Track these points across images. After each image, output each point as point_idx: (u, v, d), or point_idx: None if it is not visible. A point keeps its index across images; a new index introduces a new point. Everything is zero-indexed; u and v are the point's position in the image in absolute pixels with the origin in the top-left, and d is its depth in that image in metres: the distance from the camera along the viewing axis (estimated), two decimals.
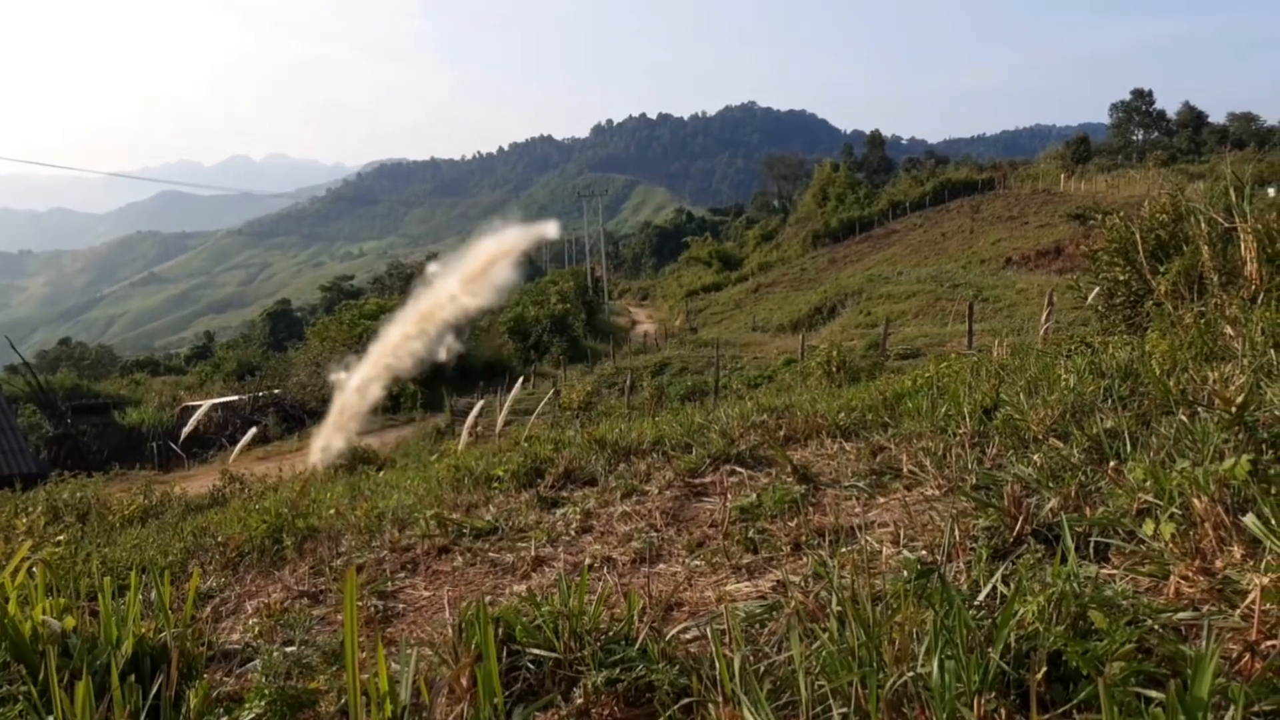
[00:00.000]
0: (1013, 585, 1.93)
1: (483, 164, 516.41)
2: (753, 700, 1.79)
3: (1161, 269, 5.67)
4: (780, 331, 45.20)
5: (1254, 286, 4.64)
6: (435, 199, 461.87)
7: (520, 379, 19.40)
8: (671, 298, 76.30)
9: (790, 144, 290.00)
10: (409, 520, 4.76)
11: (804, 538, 3.11)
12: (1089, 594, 1.84)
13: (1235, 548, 2.03)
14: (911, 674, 1.72)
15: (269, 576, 4.35)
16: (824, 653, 1.87)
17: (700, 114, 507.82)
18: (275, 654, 2.73)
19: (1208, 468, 2.22)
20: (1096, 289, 6.90)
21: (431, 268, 1.19)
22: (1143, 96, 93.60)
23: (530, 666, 2.25)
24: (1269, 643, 1.66)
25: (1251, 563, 1.95)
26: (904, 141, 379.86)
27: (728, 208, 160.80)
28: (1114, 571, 2.19)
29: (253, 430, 14.08)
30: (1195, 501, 2.16)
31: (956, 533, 2.58)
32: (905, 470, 3.68)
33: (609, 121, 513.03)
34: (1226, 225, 5.17)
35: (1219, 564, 2.02)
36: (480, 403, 13.31)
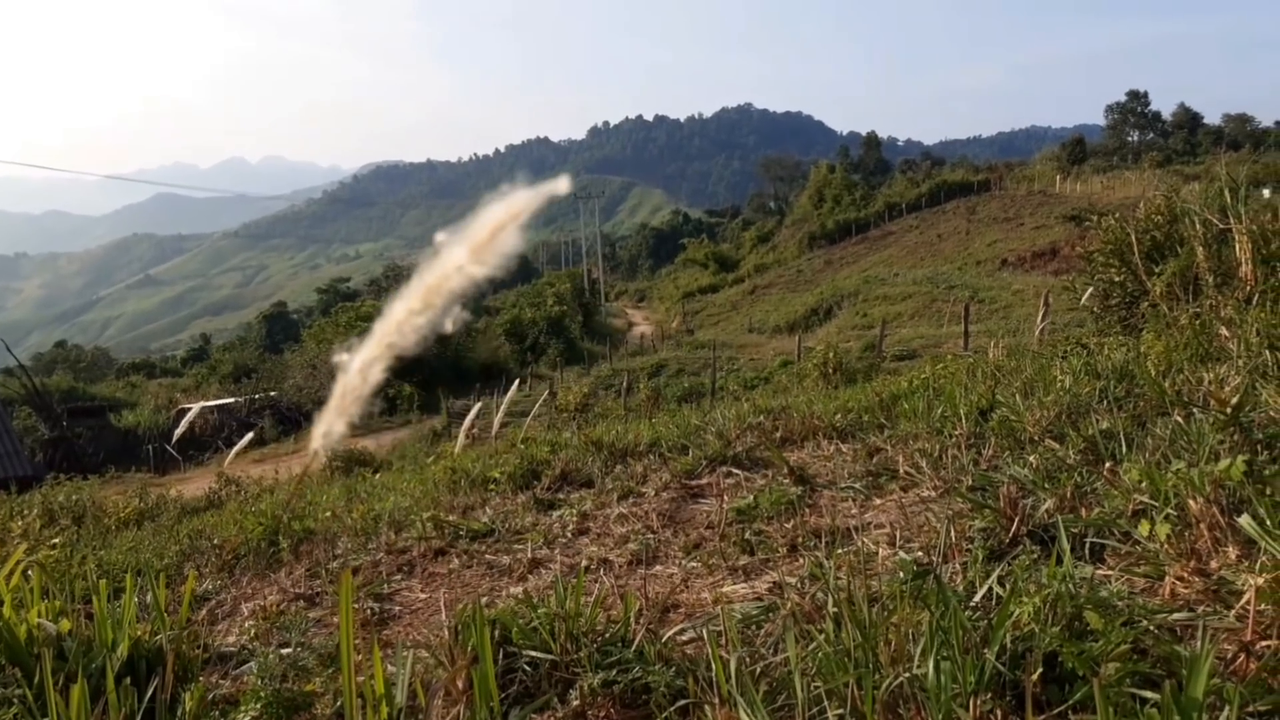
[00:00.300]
0: (1008, 586, 1.93)
1: (479, 166, 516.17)
2: (749, 702, 1.79)
3: (1157, 270, 5.68)
4: (777, 333, 45.22)
5: (1249, 287, 4.65)
6: (432, 201, 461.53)
7: (517, 381, 19.40)
8: (668, 299, 76.34)
9: (786, 146, 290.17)
10: (405, 522, 4.76)
11: (800, 539, 3.12)
12: (1084, 595, 1.84)
13: (1230, 548, 2.03)
14: (907, 675, 1.72)
15: (265, 579, 4.34)
16: (820, 654, 1.87)
17: (696, 116, 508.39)
18: (271, 656, 2.72)
19: (1203, 469, 2.23)
20: (1091, 290, 6.91)
21: (439, 236, 1.16)
22: (1138, 98, 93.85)
23: (527, 668, 2.25)
24: (1264, 643, 1.67)
25: (1246, 563, 1.95)
26: (900, 143, 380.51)
27: (724, 209, 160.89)
28: (1109, 572, 2.19)
29: (250, 435, 14.06)
30: (1190, 502, 2.16)
31: (952, 534, 2.59)
32: (901, 471, 3.69)
33: (605, 123, 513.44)
34: (1221, 226, 5.18)
35: (1214, 565, 2.03)
36: (477, 405, 13.29)
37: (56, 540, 5.36)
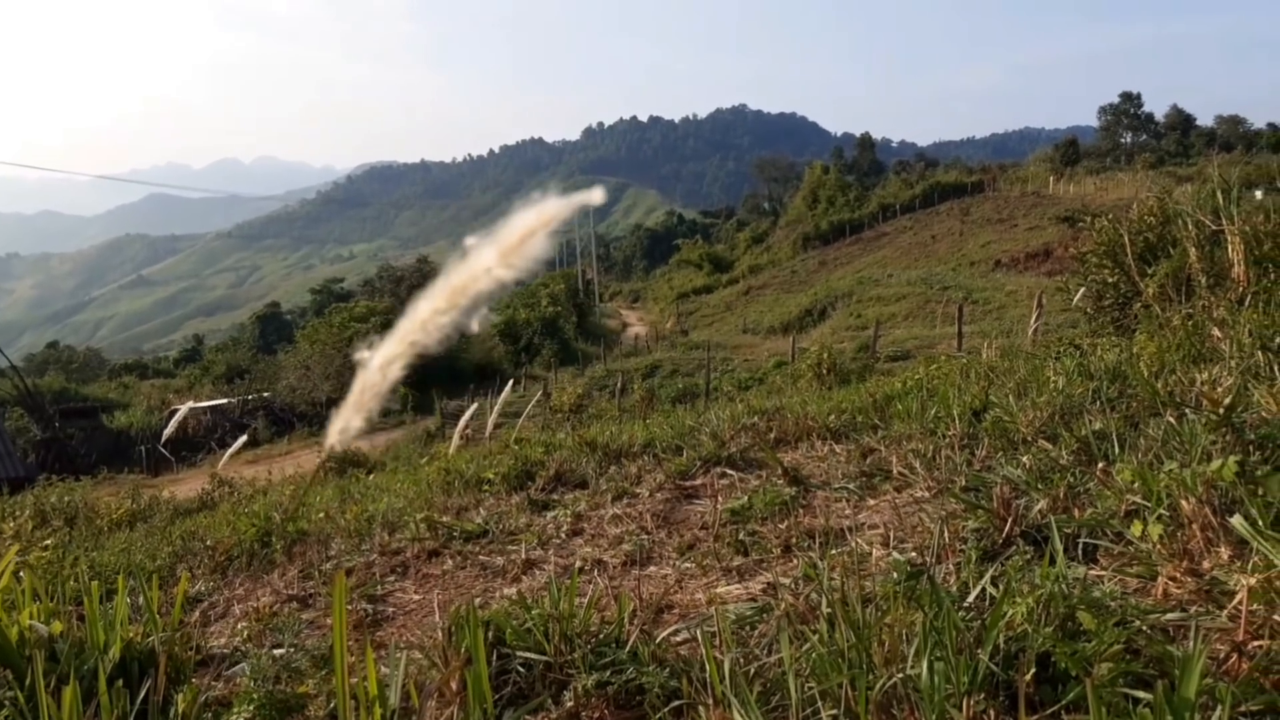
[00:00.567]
0: (1002, 587, 1.93)
1: (473, 166, 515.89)
2: (743, 702, 1.79)
3: (1150, 271, 5.70)
4: (771, 334, 45.27)
5: (1241, 288, 4.66)
6: (426, 201, 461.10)
7: (511, 382, 19.37)
8: (662, 300, 76.35)
9: (781, 146, 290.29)
10: (399, 523, 4.75)
11: (794, 540, 3.12)
12: (1077, 595, 1.84)
13: (1223, 549, 2.04)
14: (901, 675, 1.73)
15: (258, 580, 4.33)
16: (814, 655, 1.87)
17: (691, 116, 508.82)
18: (264, 658, 2.72)
19: (1195, 469, 2.23)
20: (1084, 291, 6.93)
21: (469, 240, 1.17)
22: (1131, 99, 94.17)
23: (520, 670, 2.25)
24: (1256, 643, 1.67)
25: (1239, 564, 1.95)
26: (894, 144, 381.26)
27: (718, 210, 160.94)
28: (1102, 573, 2.19)
29: (244, 437, 14.04)
30: (1183, 503, 2.17)
31: (946, 534, 2.59)
32: (895, 472, 3.69)
33: (600, 124, 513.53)
34: (1214, 228, 5.20)
35: (1206, 565, 2.03)
36: (472, 406, 13.28)
37: (48, 541, 5.34)
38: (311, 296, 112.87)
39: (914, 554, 2.66)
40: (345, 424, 1.29)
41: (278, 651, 2.84)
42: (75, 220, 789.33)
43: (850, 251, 64.79)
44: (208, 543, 5.09)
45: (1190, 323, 4.24)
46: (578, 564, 3.49)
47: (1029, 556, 2.27)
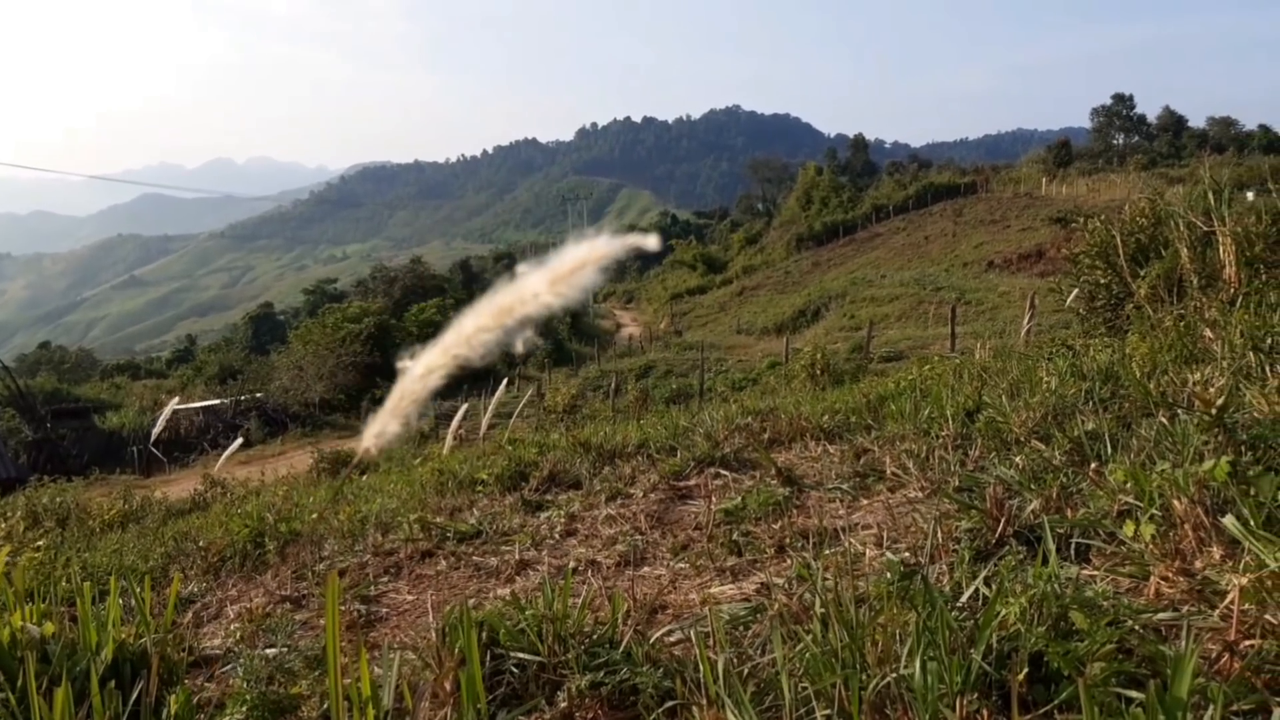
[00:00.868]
0: (995, 586, 1.93)
1: (466, 166, 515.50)
2: (736, 702, 1.79)
3: (1142, 272, 5.72)
4: (765, 334, 45.33)
5: (1233, 289, 4.68)
6: (419, 202, 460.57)
7: (504, 382, 19.34)
8: (656, 301, 76.39)
9: (774, 147, 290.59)
10: (392, 524, 4.74)
11: (788, 540, 3.12)
12: (1070, 595, 1.85)
13: (1214, 548, 2.04)
14: (894, 675, 1.73)
15: (251, 581, 4.32)
16: (807, 654, 1.87)
17: (685, 117, 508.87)
18: (257, 659, 2.71)
19: (1187, 469, 2.24)
20: (1077, 292, 6.95)
21: (521, 267, 1.22)
22: (1123, 101, 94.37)
23: (514, 670, 2.24)
24: (1247, 643, 1.68)
25: (1230, 563, 1.96)
26: (887, 145, 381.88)
27: (712, 211, 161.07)
28: (1095, 572, 2.20)
29: (240, 440, 14.00)
30: (1175, 503, 2.17)
31: (939, 534, 2.59)
32: (888, 472, 3.70)
33: (593, 124, 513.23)
34: (1206, 229, 5.21)
35: (1198, 565, 2.04)
36: (464, 406, 13.27)
37: (40, 542, 5.33)
38: (305, 297, 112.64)
39: (907, 554, 2.67)
40: (382, 429, 1.32)
41: (271, 652, 2.83)
42: (68, 220, 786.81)
43: (844, 252, 64.88)
44: (200, 543, 5.08)
45: (1182, 323, 4.25)
46: (571, 564, 3.49)
47: (1022, 556, 2.27)
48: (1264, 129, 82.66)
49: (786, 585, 2.52)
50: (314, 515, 5.45)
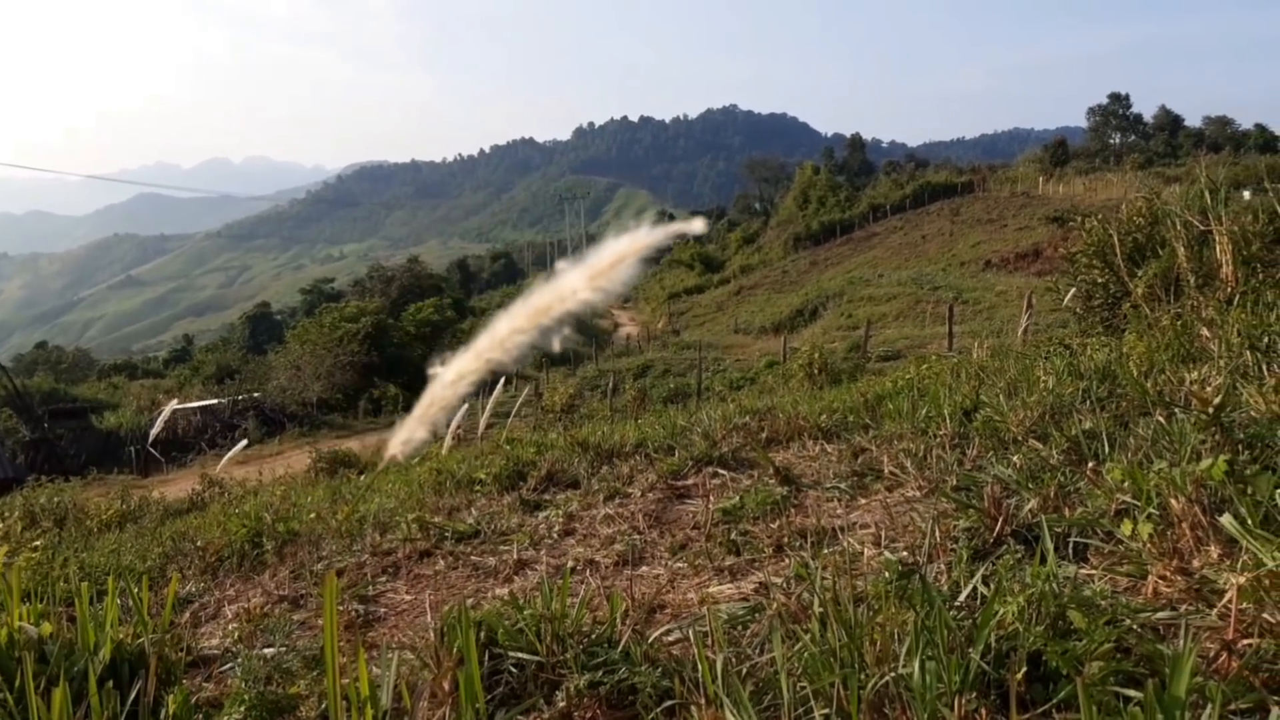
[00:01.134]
0: (993, 586, 1.94)
1: (464, 166, 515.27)
2: (735, 702, 1.79)
3: (1139, 271, 5.72)
4: (762, 333, 45.34)
5: (1230, 288, 4.68)
6: (416, 201, 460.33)
7: (502, 381, 19.33)
8: (654, 300, 76.36)
9: (771, 147, 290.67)
10: (390, 524, 4.74)
11: (786, 539, 3.12)
12: (1068, 594, 1.85)
13: (1212, 547, 2.05)
14: (893, 674, 1.73)
15: (249, 581, 4.32)
16: (806, 654, 1.87)
17: (682, 117, 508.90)
18: (255, 659, 2.71)
19: (1185, 468, 2.24)
20: (1074, 291, 6.95)
21: (560, 264, 1.18)
22: (1120, 100, 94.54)
23: (512, 670, 2.24)
24: (1245, 641, 1.68)
25: (1228, 562, 1.96)
26: (884, 144, 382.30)
27: (709, 210, 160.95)
28: (1093, 572, 2.20)
29: (243, 441, 13.98)
30: (1173, 502, 2.18)
31: (937, 534, 2.60)
32: (886, 472, 3.70)
33: (590, 124, 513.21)
34: (1202, 228, 5.22)
35: (1196, 564, 2.04)
36: (462, 406, 13.27)
37: (38, 543, 5.32)
38: (302, 296, 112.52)
39: (905, 553, 2.67)
40: (409, 435, 1.30)
41: (269, 652, 2.83)
42: (64, 220, 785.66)
43: (841, 252, 64.92)
44: (198, 543, 5.07)
45: (1179, 322, 4.26)
46: (570, 564, 3.49)
47: (1020, 556, 2.28)
48: (1260, 128, 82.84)
49: (785, 584, 2.52)
50: (312, 515, 5.45)
